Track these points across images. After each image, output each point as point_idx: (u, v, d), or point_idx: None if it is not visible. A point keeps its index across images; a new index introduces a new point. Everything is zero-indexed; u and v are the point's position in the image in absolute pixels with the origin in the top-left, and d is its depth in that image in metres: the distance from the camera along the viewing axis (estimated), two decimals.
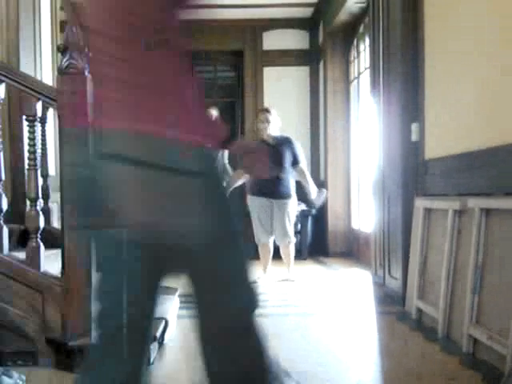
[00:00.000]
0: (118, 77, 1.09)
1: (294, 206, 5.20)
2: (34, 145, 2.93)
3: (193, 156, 1.06)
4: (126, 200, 1.03)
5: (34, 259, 2.78)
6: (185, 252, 1.13)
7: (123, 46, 1.11)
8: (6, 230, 2.85)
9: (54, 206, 3.89)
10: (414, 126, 4.05)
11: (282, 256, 5.24)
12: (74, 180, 1.13)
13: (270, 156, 1.41)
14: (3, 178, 2.88)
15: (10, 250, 2.93)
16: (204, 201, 1.08)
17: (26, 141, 3.27)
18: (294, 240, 5.23)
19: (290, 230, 5.14)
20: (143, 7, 1.05)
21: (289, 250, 5.19)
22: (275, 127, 5.17)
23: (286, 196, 5.11)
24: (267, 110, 5.25)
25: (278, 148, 5.01)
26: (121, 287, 1.13)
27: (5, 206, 2.86)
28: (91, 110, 1.07)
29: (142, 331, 1.25)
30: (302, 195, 5.42)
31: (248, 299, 1.28)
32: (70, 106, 1.15)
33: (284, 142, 5.12)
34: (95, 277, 1.27)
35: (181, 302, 4.03)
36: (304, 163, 5.28)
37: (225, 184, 1.30)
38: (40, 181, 3.03)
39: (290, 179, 5.15)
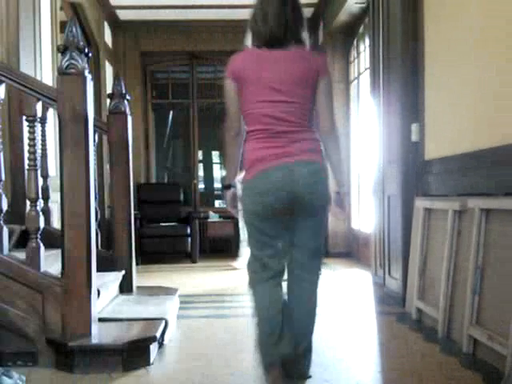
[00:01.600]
0: (304, 133, 2.32)
1: None
2: (34, 145, 2.93)
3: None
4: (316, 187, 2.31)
5: (33, 259, 2.78)
6: (320, 211, 2.36)
7: (304, 123, 2.32)
8: (6, 231, 2.85)
9: (54, 207, 3.89)
10: (414, 127, 4.05)
11: None
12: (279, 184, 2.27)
13: None
14: (3, 178, 2.88)
15: (10, 250, 2.93)
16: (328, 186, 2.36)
17: (26, 141, 3.27)
18: None
19: None
20: (310, 112, 2.35)
21: None
22: None
23: None
24: None
25: None
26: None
27: (5, 207, 2.86)
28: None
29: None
30: None
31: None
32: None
33: None
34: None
35: (181, 303, 4.03)
36: None
37: None
38: (40, 181, 3.03)
39: None
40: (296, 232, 2.36)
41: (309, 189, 2.27)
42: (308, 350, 2.46)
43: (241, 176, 2.39)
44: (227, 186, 2.48)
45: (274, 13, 2.28)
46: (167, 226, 7.17)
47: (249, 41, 2.41)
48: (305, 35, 2.35)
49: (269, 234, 2.34)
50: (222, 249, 7.82)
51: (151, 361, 2.76)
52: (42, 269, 2.80)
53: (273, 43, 2.29)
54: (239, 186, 2.39)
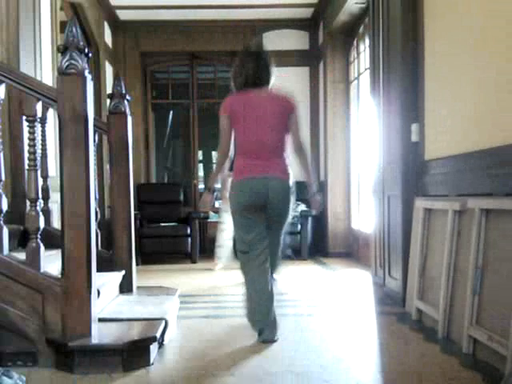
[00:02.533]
0: (278, 157, 3.23)
1: None
2: (34, 145, 2.93)
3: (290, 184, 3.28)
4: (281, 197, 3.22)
5: (34, 260, 2.78)
6: (285, 214, 3.28)
7: (278, 148, 3.23)
8: (6, 231, 2.85)
9: (54, 207, 3.89)
10: (414, 127, 4.05)
11: None
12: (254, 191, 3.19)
13: None
14: (3, 178, 2.88)
15: (11, 250, 2.92)
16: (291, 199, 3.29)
17: (26, 141, 3.27)
18: None
19: None
20: (283, 140, 3.26)
21: None
22: None
23: None
24: None
25: None
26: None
27: (5, 207, 2.86)
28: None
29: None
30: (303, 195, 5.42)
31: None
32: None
33: None
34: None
35: (181, 303, 4.03)
36: None
37: None
38: (40, 181, 3.03)
39: None
40: (269, 223, 3.27)
41: (276, 196, 3.17)
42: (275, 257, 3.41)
43: (223, 182, 3.33)
44: (210, 188, 3.34)
45: (251, 68, 3.19)
46: (167, 226, 7.17)
47: (233, 88, 3.26)
48: (272, 81, 3.26)
49: (251, 220, 3.21)
50: None
51: (151, 361, 2.76)
52: (42, 269, 2.80)
53: (249, 87, 3.19)
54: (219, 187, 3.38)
